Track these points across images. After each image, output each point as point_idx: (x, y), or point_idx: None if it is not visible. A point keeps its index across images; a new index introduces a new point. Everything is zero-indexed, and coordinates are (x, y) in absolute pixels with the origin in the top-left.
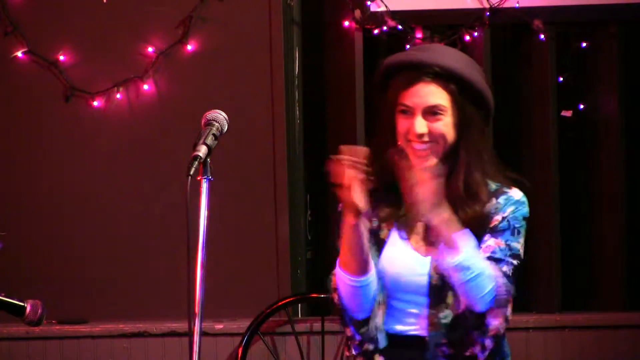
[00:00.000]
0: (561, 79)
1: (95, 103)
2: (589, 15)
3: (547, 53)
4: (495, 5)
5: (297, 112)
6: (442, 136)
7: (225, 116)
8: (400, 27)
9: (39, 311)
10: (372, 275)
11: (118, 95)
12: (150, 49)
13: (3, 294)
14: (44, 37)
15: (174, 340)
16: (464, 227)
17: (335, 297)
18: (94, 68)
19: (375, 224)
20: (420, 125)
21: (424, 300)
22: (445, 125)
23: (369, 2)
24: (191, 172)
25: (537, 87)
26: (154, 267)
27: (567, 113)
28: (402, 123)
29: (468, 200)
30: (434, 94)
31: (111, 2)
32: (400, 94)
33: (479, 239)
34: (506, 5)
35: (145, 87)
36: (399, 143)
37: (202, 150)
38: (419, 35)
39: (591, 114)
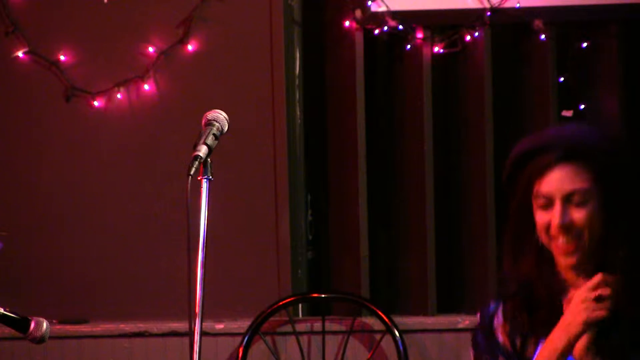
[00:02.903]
0: (561, 79)
1: (96, 103)
2: (589, 15)
3: (548, 53)
4: (496, 5)
5: (298, 112)
6: (587, 227)
7: (226, 116)
8: (400, 27)
9: (43, 328)
10: None
11: (119, 95)
12: (150, 49)
13: (7, 309)
14: (44, 37)
15: (174, 340)
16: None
17: None
18: (94, 68)
19: (517, 342)
20: (561, 215)
21: None
22: (590, 214)
23: (369, 2)
24: (192, 172)
25: (538, 87)
26: (154, 267)
27: (568, 113)
28: (540, 217)
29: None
30: (572, 178)
31: (112, 2)
32: (534, 183)
33: None
34: (507, 5)
35: (146, 87)
36: (542, 241)
37: (203, 150)
38: (419, 35)
39: (591, 114)
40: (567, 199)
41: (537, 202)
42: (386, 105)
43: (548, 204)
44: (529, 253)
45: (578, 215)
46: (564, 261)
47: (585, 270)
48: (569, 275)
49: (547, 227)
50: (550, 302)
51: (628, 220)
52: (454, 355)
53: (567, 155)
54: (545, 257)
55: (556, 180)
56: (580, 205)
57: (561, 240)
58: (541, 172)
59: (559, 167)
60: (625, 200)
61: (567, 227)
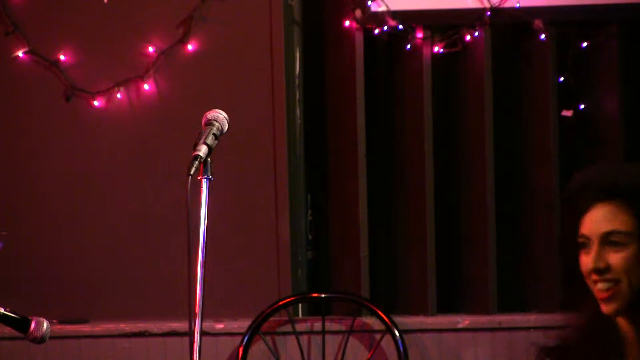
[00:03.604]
0: (561, 78)
1: (96, 103)
2: (589, 15)
3: (548, 53)
4: (496, 5)
5: (298, 111)
6: (625, 272)
7: (226, 116)
8: (400, 27)
9: (44, 328)
10: None
11: (119, 95)
12: (151, 49)
13: (7, 309)
14: (44, 37)
15: (174, 339)
16: None
17: None
18: (94, 68)
19: None
20: (595, 258)
21: None
22: (630, 257)
23: (369, 2)
24: (192, 172)
25: (538, 87)
26: (154, 267)
27: (568, 113)
28: (582, 259)
29: None
30: (611, 219)
31: (112, 2)
32: (578, 223)
33: None
34: (507, 5)
35: (146, 86)
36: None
37: (203, 150)
38: (419, 35)
39: (591, 114)
40: (605, 241)
41: (580, 242)
42: (386, 105)
43: (587, 245)
44: (580, 300)
45: (616, 258)
46: (603, 309)
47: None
48: (624, 328)
49: (587, 270)
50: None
51: None
52: (454, 355)
53: (608, 194)
54: (596, 305)
55: (594, 220)
56: (618, 247)
57: (598, 286)
58: (582, 211)
59: (599, 207)
60: None
61: (602, 271)
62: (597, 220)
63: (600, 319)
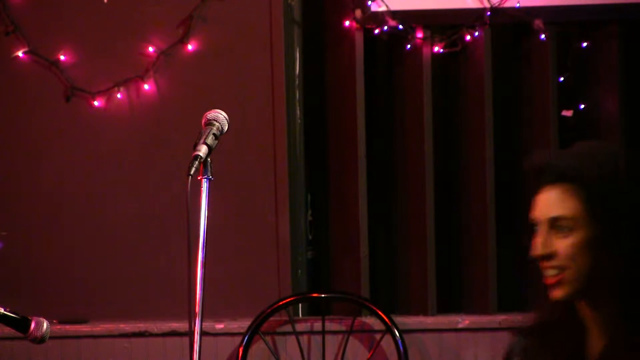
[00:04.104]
0: (561, 78)
1: (96, 103)
2: (589, 15)
3: (548, 53)
4: (496, 5)
5: (298, 111)
6: (571, 259)
7: (226, 116)
8: (400, 27)
9: (43, 328)
10: None
11: (119, 95)
12: (150, 49)
13: (7, 309)
14: (44, 37)
15: (174, 340)
16: None
17: None
18: (94, 68)
19: None
20: (542, 244)
21: None
22: (576, 244)
23: (369, 2)
24: (192, 172)
25: (538, 86)
26: (154, 267)
27: (568, 113)
28: (532, 243)
29: None
30: (555, 204)
31: (112, 1)
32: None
33: None
34: (507, 5)
35: (146, 86)
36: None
37: (203, 150)
38: (419, 35)
39: (591, 114)
40: (552, 226)
41: (532, 228)
42: (386, 105)
43: (536, 229)
44: (543, 286)
45: (562, 244)
46: (552, 295)
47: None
48: (583, 313)
49: (536, 258)
50: (569, 346)
51: (621, 257)
52: (454, 355)
53: (557, 177)
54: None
55: (542, 204)
56: (565, 233)
57: (546, 272)
58: (533, 193)
59: (548, 190)
60: (619, 233)
61: (548, 257)
62: (545, 204)
63: (559, 305)
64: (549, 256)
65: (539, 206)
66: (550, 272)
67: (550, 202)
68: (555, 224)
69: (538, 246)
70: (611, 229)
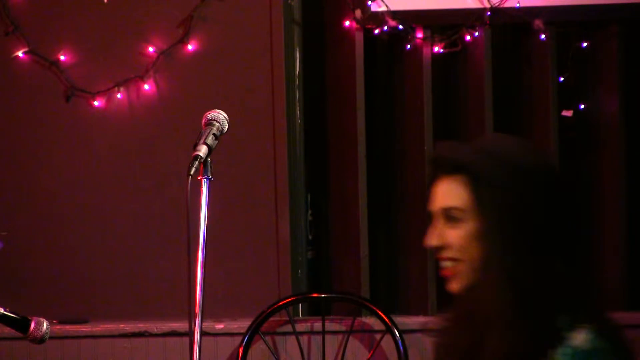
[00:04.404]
0: (562, 78)
1: (96, 103)
2: (589, 15)
3: (548, 53)
4: (496, 5)
5: (298, 112)
6: (463, 250)
7: (226, 116)
8: (401, 27)
9: (43, 328)
10: None
11: (119, 95)
12: (151, 49)
13: (7, 309)
14: (44, 37)
15: (174, 340)
16: None
17: None
18: (94, 68)
19: None
20: (434, 235)
21: None
22: (466, 235)
23: (369, 2)
24: (192, 172)
25: (538, 87)
26: (154, 267)
27: (568, 113)
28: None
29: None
30: (448, 194)
31: (112, 1)
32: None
33: None
34: (507, 5)
35: (146, 86)
36: None
37: (203, 150)
38: (419, 35)
39: (591, 114)
40: (444, 216)
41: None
42: (386, 105)
43: (432, 220)
44: None
45: (453, 235)
46: (448, 288)
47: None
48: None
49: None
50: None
51: (505, 250)
52: None
53: (450, 168)
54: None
55: (436, 195)
56: (456, 224)
57: (441, 264)
58: (430, 184)
59: (442, 181)
60: (505, 225)
61: (441, 249)
62: (439, 194)
63: (458, 299)
64: (442, 247)
65: (434, 197)
66: (446, 264)
67: (443, 193)
68: (447, 214)
69: (432, 237)
70: (497, 221)
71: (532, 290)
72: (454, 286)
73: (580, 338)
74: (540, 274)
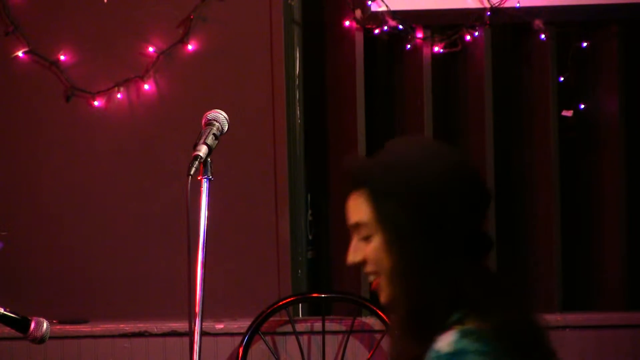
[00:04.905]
0: (562, 78)
1: (96, 103)
2: (590, 15)
3: (548, 53)
4: (496, 5)
5: (298, 112)
6: (378, 263)
7: (226, 116)
8: (401, 27)
9: (43, 328)
10: None
11: (119, 95)
12: (151, 49)
13: (7, 309)
14: (44, 37)
15: (174, 340)
16: None
17: None
18: (94, 68)
19: None
20: (351, 251)
21: None
22: (377, 248)
23: (369, 2)
24: (192, 172)
25: (538, 87)
26: (154, 267)
27: (568, 113)
28: None
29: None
30: (356, 210)
31: (112, 1)
32: None
33: None
34: (507, 5)
35: (146, 86)
36: None
37: (203, 150)
38: (419, 35)
39: (592, 114)
40: (356, 232)
41: None
42: (386, 105)
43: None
44: None
45: (367, 250)
46: (380, 300)
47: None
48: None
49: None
50: None
51: (405, 259)
52: None
53: (355, 183)
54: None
55: (348, 211)
56: (367, 239)
57: (369, 279)
58: (346, 201)
59: (352, 197)
60: (405, 235)
61: (360, 264)
62: (350, 210)
63: (388, 308)
64: (362, 262)
65: (347, 213)
66: (371, 278)
67: (352, 208)
68: (358, 229)
69: (349, 253)
70: (396, 233)
71: (432, 295)
72: (381, 298)
73: (444, 340)
74: (439, 278)
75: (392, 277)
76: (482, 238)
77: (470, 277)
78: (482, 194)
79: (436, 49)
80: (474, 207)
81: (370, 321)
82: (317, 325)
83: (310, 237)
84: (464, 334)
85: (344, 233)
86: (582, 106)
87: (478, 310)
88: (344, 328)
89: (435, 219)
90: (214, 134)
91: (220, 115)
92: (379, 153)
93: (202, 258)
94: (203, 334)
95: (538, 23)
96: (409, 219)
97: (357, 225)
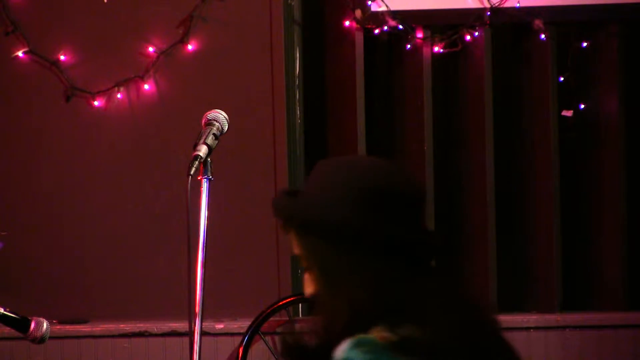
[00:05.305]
0: (562, 78)
1: (96, 103)
2: (589, 15)
3: (548, 53)
4: (496, 5)
5: (298, 111)
6: (321, 294)
7: (226, 116)
8: (401, 27)
9: (43, 328)
10: None
11: (119, 95)
12: (151, 49)
13: (7, 309)
14: (44, 37)
15: (174, 340)
16: None
17: None
18: (94, 68)
19: None
20: (304, 284)
21: None
22: (315, 279)
23: (369, 2)
24: (192, 172)
25: (538, 87)
26: (154, 267)
27: (568, 113)
28: None
29: None
30: (294, 244)
31: (112, 1)
32: None
33: None
34: (507, 5)
35: (146, 86)
36: None
37: (203, 150)
38: (419, 35)
39: (591, 114)
40: (301, 265)
41: None
42: (386, 105)
43: None
44: None
45: (309, 282)
46: None
47: None
48: None
49: None
50: None
51: (325, 287)
52: None
53: (283, 223)
54: None
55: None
56: (307, 270)
57: None
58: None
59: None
60: (325, 264)
61: (312, 297)
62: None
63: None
64: (314, 295)
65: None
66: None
67: (292, 242)
68: (302, 262)
69: (305, 285)
70: (322, 266)
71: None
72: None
73: (340, 348)
74: (363, 300)
75: (320, 304)
76: (418, 248)
77: (398, 293)
78: (409, 204)
79: (436, 49)
80: (400, 222)
81: None
82: None
83: None
84: (356, 344)
85: None
86: (582, 106)
87: (403, 320)
88: None
89: (355, 248)
90: (214, 134)
91: (220, 115)
92: (306, 181)
93: (202, 258)
94: (203, 334)
95: (538, 23)
96: (329, 250)
97: (297, 258)
